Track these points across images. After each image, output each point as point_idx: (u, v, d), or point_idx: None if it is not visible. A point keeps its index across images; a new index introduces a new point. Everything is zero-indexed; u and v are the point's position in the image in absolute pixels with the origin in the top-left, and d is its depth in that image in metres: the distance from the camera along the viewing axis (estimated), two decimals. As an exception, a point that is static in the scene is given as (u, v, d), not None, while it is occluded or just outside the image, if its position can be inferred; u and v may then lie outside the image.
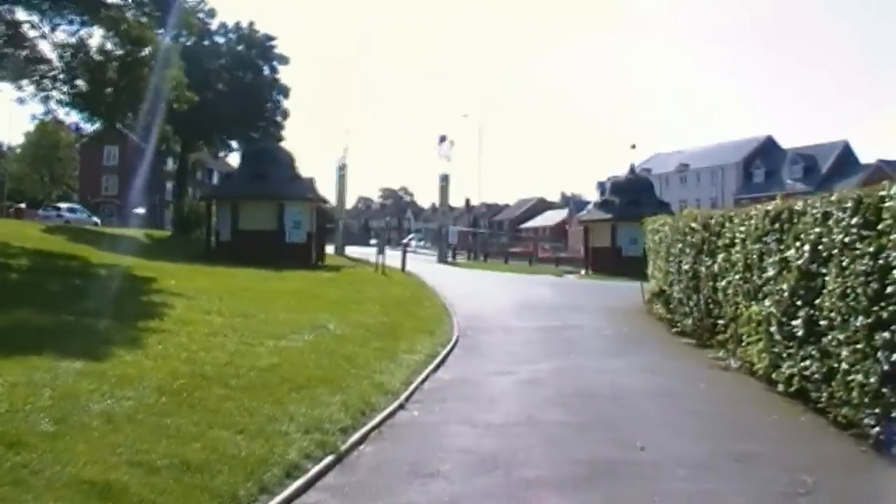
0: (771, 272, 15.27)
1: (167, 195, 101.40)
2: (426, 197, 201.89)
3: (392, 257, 52.33)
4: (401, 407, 13.26)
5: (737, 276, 17.79)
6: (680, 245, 23.72)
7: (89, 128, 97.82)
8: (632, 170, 70.49)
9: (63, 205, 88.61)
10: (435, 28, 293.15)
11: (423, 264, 59.27)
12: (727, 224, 18.94)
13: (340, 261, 61.23)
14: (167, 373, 12.86)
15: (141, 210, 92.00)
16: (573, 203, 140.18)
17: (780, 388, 14.38)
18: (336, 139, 75.32)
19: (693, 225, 22.28)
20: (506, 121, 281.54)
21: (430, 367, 16.88)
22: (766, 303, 15.45)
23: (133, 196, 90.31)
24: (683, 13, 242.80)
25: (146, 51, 38.48)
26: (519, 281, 49.50)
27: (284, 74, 76.20)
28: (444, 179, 74.69)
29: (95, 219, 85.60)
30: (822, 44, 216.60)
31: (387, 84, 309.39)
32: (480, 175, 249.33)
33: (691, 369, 17.90)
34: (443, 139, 74.49)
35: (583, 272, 64.32)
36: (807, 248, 13.47)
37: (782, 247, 14.75)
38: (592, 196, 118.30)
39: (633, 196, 64.03)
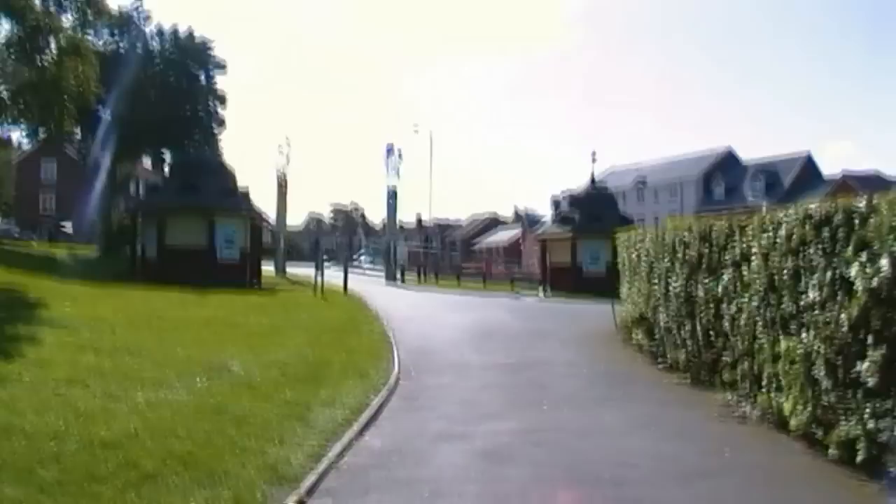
0: (814, 295, 11.34)
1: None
2: (378, 214, 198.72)
3: (337, 277, 48.73)
4: (298, 510, 8.89)
5: (754, 301, 13.97)
6: (667, 262, 19.81)
7: (18, 140, 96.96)
8: (592, 182, 66.33)
9: None
10: (378, 38, 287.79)
11: (368, 285, 55.68)
12: (737, 234, 15.12)
13: (279, 281, 57.06)
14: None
15: (67, 226, 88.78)
16: (527, 219, 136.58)
17: (833, 452, 10.58)
18: (277, 151, 73.21)
19: (685, 236, 18.41)
20: (455, 134, 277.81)
21: (355, 428, 12.48)
22: (806, 336, 11.57)
23: (75, 212, 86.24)
24: (633, 20, 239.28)
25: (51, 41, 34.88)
26: (473, 303, 44.83)
27: (222, 82, 72.54)
28: (392, 195, 70.46)
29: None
30: (777, 53, 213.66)
31: (330, 95, 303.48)
32: (431, 191, 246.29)
33: (701, 424, 13.83)
34: (390, 150, 70.11)
35: (541, 292, 59.94)
36: (885, 262, 9.56)
37: (835, 261, 10.78)
38: (546, 211, 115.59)
39: (595, 210, 60.14)
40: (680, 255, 18.69)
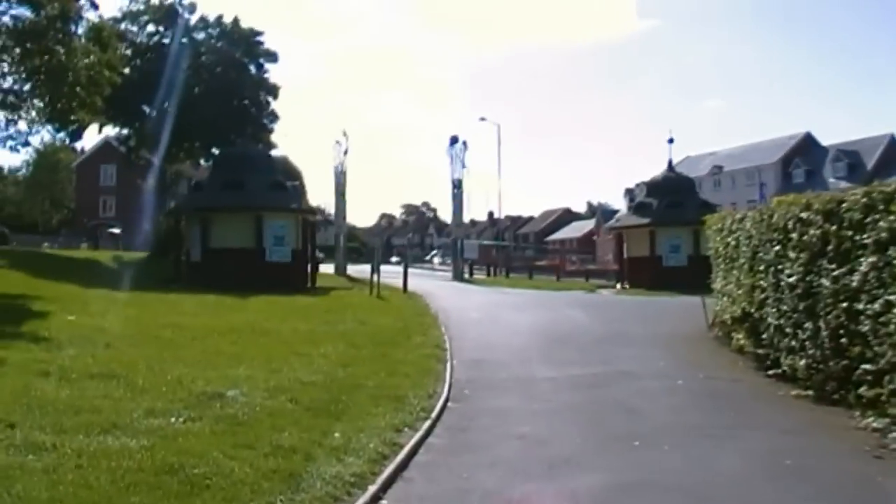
0: None
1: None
2: (450, 213, 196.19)
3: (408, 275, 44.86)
4: None
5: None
6: (778, 247, 16.23)
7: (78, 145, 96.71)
8: (670, 167, 61.65)
9: None
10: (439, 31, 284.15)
11: (433, 283, 52.15)
12: (880, 208, 11.86)
13: (338, 282, 53.17)
14: None
15: (116, 230, 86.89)
16: (601, 212, 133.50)
17: None
18: (335, 145, 70.55)
19: (805, 215, 14.76)
20: (524, 129, 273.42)
21: (367, 496, 8.80)
22: None
23: (130, 216, 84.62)
24: (707, 6, 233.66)
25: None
26: (545, 300, 40.58)
27: (275, 74, 69.72)
28: (457, 185, 66.05)
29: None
30: (856, 34, 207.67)
31: (392, 88, 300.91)
32: (501, 185, 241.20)
33: (854, 467, 10.14)
34: (454, 141, 66.07)
35: (618, 286, 56.29)
36: None
37: None
38: (620, 205, 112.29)
39: (674, 197, 55.77)
40: (795, 238, 15.18)
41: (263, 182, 46.35)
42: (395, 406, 13.02)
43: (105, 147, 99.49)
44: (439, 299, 37.08)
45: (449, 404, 13.97)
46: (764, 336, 17.37)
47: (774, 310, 16.53)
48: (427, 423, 12.21)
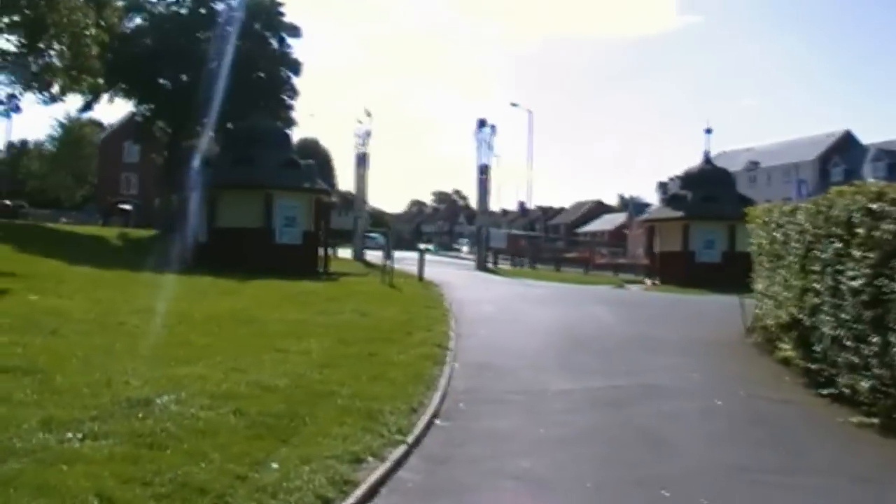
0: None
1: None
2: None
3: (428, 263, 43.14)
4: None
5: None
6: (839, 244, 13.72)
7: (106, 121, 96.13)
8: (706, 159, 58.87)
9: None
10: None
11: (455, 272, 50.30)
12: None
13: (353, 267, 50.62)
14: None
15: (128, 207, 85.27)
16: (632, 205, 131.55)
17: None
18: (357, 124, 68.89)
19: (877, 207, 12.36)
20: (560, 118, 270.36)
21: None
22: None
23: (152, 193, 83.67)
24: (747, 4, 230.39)
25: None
26: (570, 295, 38.12)
27: (311, 57, 68.22)
28: (483, 171, 63.27)
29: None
30: (891, 32, 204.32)
31: (429, 75, 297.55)
32: (532, 174, 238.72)
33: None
34: (482, 124, 63.38)
35: (648, 282, 53.79)
36: None
37: None
38: (653, 199, 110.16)
39: (709, 190, 53.25)
40: (862, 233, 12.69)
41: (275, 159, 44.22)
42: (365, 424, 10.44)
43: (129, 123, 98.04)
44: (456, 290, 34.85)
45: (436, 422, 11.46)
46: (816, 348, 14.89)
47: (831, 318, 14.01)
48: (399, 451, 9.66)
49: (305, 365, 14.26)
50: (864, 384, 12.34)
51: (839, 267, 13.61)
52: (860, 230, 12.74)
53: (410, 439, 10.20)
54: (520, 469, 9.48)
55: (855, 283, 12.81)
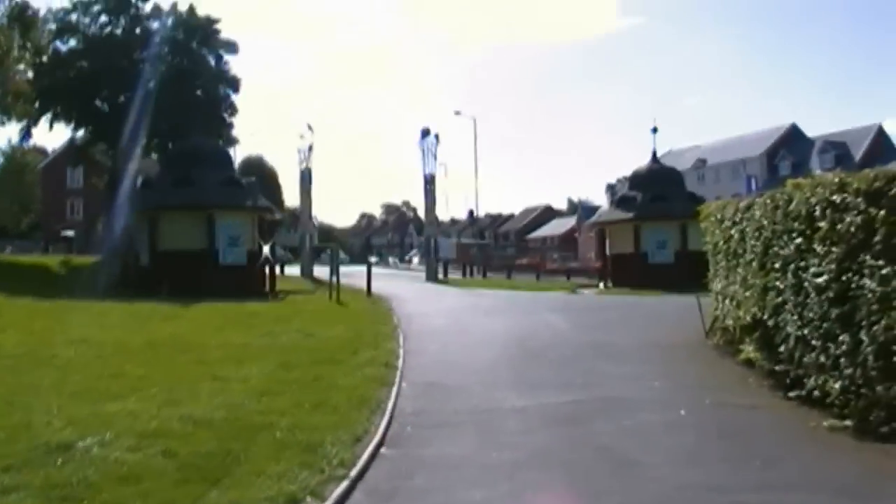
0: None
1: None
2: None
3: (376, 276, 42.49)
4: None
5: None
6: (800, 240, 13.12)
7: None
8: (654, 158, 58.20)
9: None
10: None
11: (404, 285, 49.68)
12: None
13: (301, 285, 49.54)
14: None
15: (69, 233, 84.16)
16: (582, 209, 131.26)
17: None
18: (298, 139, 68.07)
19: (839, 199, 11.75)
20: (506, 125, 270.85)
21: None
22: None
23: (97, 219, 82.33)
24: (688, 4, 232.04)
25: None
26: (522, 303, 37.39)
27: (256, 74, 67.69)
28: (430, 181, 62.89)
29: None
30: (839, 25, 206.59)
31: (363, 84, 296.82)
32: (478, 181, 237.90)
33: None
34: (425, 133, 62.87)
35: (601, 285, 53.44)
36: None
37: None
38: (602, 201, 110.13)
39: (659, 189, 52.75)
40: (825, 227, 12.07)
41: (216, 178, 43.26)
42: (304, 458, 9.56)
43: (71, 148, 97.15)
44: (405, 303, 34.20)
45: (382, 451, 10.56)
46: (781, 349, 14.22)
47: (795, 317, 13.37)
48: (341, 487, 8.79)
49: (244, 394, 13.39)
50: (835, 385, 11.66)
51: (801, 263, 12.98)
52: (822, 224, 12.08)
53: (354, 473, 9.34)
54: (472, 502, 8.68)
55: (819, 280, 12.17)
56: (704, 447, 10.87)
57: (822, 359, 12.19)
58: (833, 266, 11.73)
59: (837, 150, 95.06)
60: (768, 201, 15.02)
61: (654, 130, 57.57)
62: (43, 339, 19.40)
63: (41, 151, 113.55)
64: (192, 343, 19.76)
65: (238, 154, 69.02)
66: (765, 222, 15.09)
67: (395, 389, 14.63)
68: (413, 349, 20.10)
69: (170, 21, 62.03)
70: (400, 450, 10.74)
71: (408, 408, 13.27)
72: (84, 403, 12.14)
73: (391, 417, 12.37)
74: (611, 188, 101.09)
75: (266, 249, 42.84)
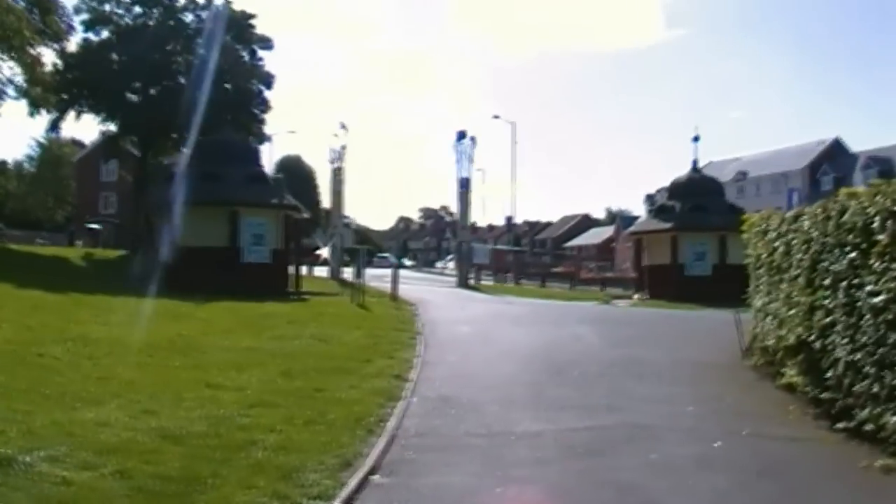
0: None
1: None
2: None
3: (408, 280, 43.23)
4: None
5: None
6: (854, 254, 11.90)
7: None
8: (695, 167, 57.01)
9: None
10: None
11: (434, 289, 48.97)
12: None
13: (327, 286, 48.28)
14: None
15: (96, 226, 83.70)
16: (620, 219, 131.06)
17: None
18: (332, 138, 68.59)
19: None
20: (547, 132, 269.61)
21: None
22: None
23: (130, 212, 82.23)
24: (734, 17, 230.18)
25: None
26: (552, 313, 36.05)
27: (298, 75, 67.02)
28: (464, 185, 61.89)
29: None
30: (877, 41, 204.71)
31: (416, 91, 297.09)
32: (515, 186, 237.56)
33: None
34: (461, 137, 61.83)
35: (636, 296, 52.04)
36: None
37: None
38: (640, 212, 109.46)
39: (698, 200, 51.50)
40: (884, 241, 10.85)
41: (242, 174, 42.48)
42: (279, 487, 8.39)
43: (104, 141, 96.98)
44: (432, 309, 33.17)
45: (374, 478, 9.32)
46: (828, 374, 12.89)
47: (846, 340, 12.10)
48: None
49: (234, 404, 12.34)
50: (892, 419, 10.41)
51: (855, 281, 11.75)
52: (881, 237, 10.84)
53: (333, 512, 8.07)
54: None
55: (876, 300, 10.90)
56: (741, 489, 9.47)
57: (877, 388, 10.97)
58: (893, 285, 10.51)
59: (881, 165, 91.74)
60: (819, 211, 13.79)
61: (696, 139, 56.26)
62: (37, 336, 18.38)
63: (79, 144, 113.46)
64: (195, 345, 18.95)
65: (276, 153, 68.23)
66: (814, 234, 13.87)
67: (402, 405, 13.54)
68: (431, 359, 19.14)
69: (205, 14, 61.38)
70: (394, 478, 9.51)
71: (413, 427, 12.11)
72: (55, 409, 11.20)
73: (392, 438, 11.21)
74: (650, 198, 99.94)
75: (326, 251, 41.99)
